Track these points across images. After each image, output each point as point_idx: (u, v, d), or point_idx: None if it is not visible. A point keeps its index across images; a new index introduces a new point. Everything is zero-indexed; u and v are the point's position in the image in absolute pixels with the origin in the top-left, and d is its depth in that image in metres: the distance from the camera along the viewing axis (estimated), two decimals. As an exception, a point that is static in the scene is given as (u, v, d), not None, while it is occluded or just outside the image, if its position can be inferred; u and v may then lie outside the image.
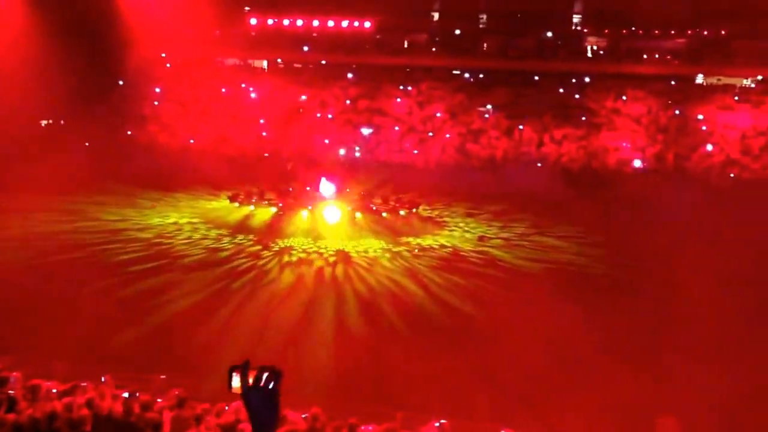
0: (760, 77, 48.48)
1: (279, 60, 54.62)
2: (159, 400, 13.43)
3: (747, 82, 49.04)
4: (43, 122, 48.46)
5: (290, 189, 38.25)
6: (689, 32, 51.17)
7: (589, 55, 52.73)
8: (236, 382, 4.64)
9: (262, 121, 49.19)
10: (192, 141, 48.06)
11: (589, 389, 18.28)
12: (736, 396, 18.15)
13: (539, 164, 45.75)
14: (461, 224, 35.96)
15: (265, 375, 4.56)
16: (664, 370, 19.86)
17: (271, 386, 4.54)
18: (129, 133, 49.45)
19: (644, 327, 23.10)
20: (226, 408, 13.21)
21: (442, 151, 47.09)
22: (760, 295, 25.58)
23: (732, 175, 43.91)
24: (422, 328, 23.28)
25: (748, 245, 30.78)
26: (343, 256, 30.55)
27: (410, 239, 33.13)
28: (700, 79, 50.19)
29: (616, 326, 23.00)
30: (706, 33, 51.04)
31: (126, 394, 13.24)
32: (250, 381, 4.55)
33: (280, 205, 36.54)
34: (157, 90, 51.74)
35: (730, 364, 20.24)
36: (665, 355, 20.76)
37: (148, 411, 12.45)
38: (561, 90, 49.95)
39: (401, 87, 50.63)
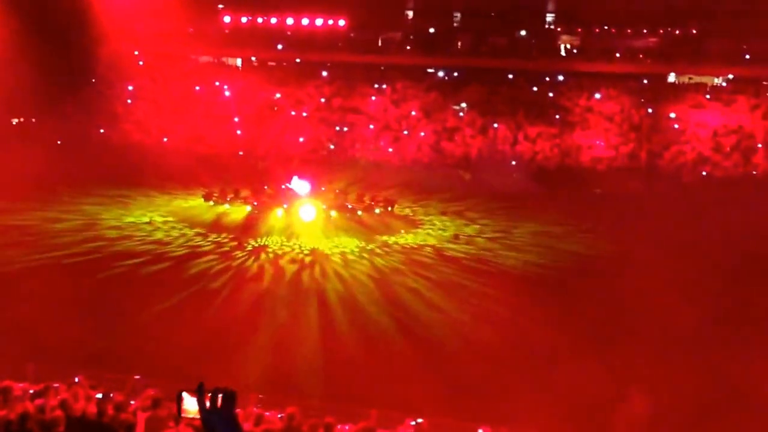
0: (730, 76, 49.03)
1: (253, 58, 54.35)
2: (133, 401, 13.30)
3: (718, 81, 49.58)
4: (15, 120, 47.87)
5: (265, 187, 38.08)
6: (661, 31, 51.61)
7: (563, 53, 53.01)
8: (189, 405, 4.49)
9: (236, 119, 48.93)
10: (165, 139, 47.71)
11: (551, 386, 18.50)
12: (694, 393, 18.46)
13: (514, 162, 45.97)
14: (436, 222, 36.05)
15: (221, 396, 4.41)
16: (626, 368, 20.04)
17: (228, 408, 4.40)
18: (102, 131, 48.99)
19: (609, 324, 23.29)
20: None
21: (417, 150, 47.16)
22: (726, 292, 25.95)
23: (704, 172, 44.39)
24: (389, 326, 23.37)
25: (716, 242, 31.20)
26: (318, 255, 30.50)
27: (386, 237, 33.17)
28: (672, 77, 50.66)
29: (581, 323, 23.22)
30: (677, 32, 51.51)
31: (99, 395, 13.09)
32: (207, 404, 4.39)
33: (255, 203, 36.37)
34: (130, 88, 51.32)
35: (692, 362, 20.50)
36: (628, 353, 20.99)
37: (122, 412, 12.32)
38: (535, 88, 50.20)
39: (376, 85, 50.63)
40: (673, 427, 17.54)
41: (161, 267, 28.48)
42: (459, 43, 53.46)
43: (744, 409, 18.07)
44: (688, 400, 18.25)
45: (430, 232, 34.56)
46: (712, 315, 23.62)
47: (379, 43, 54.30)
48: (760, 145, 44.92)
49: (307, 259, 30.09)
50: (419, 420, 14.41)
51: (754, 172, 44.01)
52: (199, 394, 4.41)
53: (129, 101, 50.95)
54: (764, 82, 47.78)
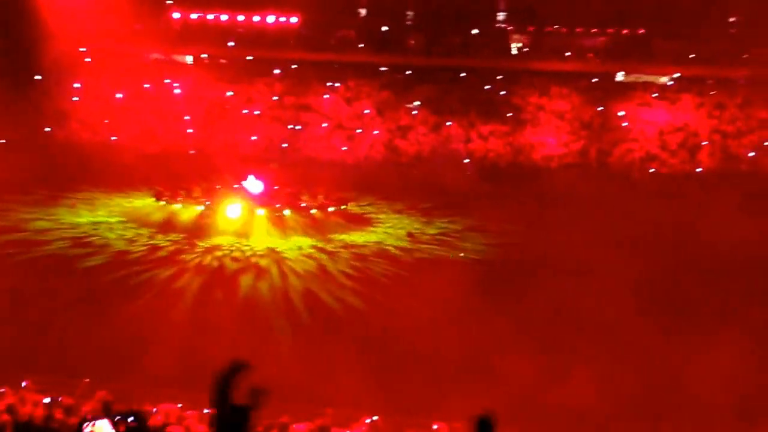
0: (676, 75, 49.97)
1: (204, 55, 53.75)
2: (83, 405, 13.07)
3: (665, 80, 50.50)
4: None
5: (217, 186, 37.68)
6: (610, 31, 52.41)
7: (514, 52, 53.50)
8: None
9: (187, 117, 48.36)
10: (114, 138, 46.96)
11: (494, 381, 18.73)
12: (634, 384, 18.87)
13: (467, 160, 46.26)
14: (390, 221, 36.10)
15: (130, 420, 4.37)
16: (568, 362, 20.37)
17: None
18: (48, 129, 48.03)
19: (552, 319, 23.63)
20: (154, 410, 12.96)
21: (371, 148, 47.17)
22: (668, 285, 26.54)
23: (652, 170, 45.20)
24: (337, 325, 23.53)
25: (660, 238, 31.86)
26: (271, 254, 30.35)
27: (340, 236, 33.13)
28: (620, 76, 51.45)
29: (527, 319, 23.58)
30: (626, 32, 52.36)
31: (47, 400, 12.83)
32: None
33: (207, 203, 35.97)
34: (77, 85, 50.36)
35: (634, 354, 20.92)
36: (571, 347, 21.36)
37: (71, 416, 12.10)
38: (487, 87, 50.55)
39: (329, 83, 50.47)
40: (613, 418, 17.88)
41: (108, 268, 28.08)
42: (412, 42, 53.59)
43: (683, 400, 18.59)
44: (629, 391, 18.71)
45: (384, 230, 34.61)
46: (654, 308, 24.14)
47: (332, 41, 54.12)
48: (704, 143, 45.88)
49: (256, 260, 29.92)
50: (375, 417, 14.43)
51: (699, 169, 44.94)
52: (113, 420, 4.38)
53: (76, 99, 49.99)
54: (708, 82, 48.81)
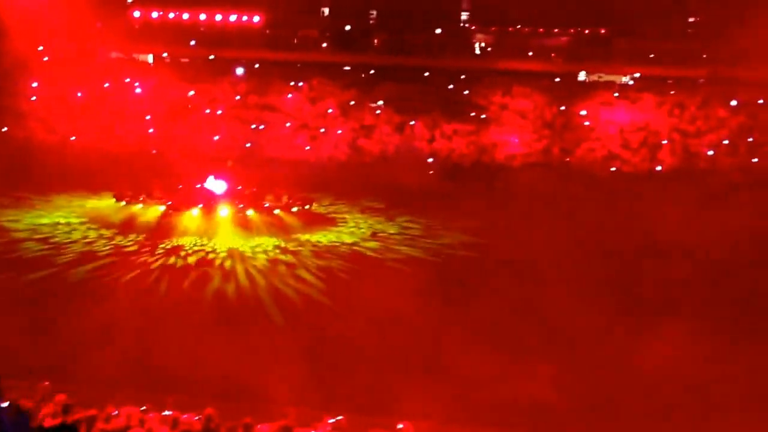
0: (637, 75, 50.56)
1: (165, 54, 53.18)
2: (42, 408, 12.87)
3: (626, 80, 51.06)
4: None
5: (179, 186, 37.35)
6: (572, 31, 52.87)
7: (477, 52, 53.76)
8: None
9: (148, 117, 47.82)
10: (73, 138, 46.29)
11: (452, 379, 18.87)
12: (593, 382, 19.13)
13: (430, 159, 46.37)
14: (355, 220, 36.07)
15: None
16: (526, 361, 20.52)
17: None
18: (4, 129, 47.23)
19: (507, 318, 23.80)
20: (116, 413, 12.79)
21: (334, 147, 47.05)
22: (626, 283, 26.89)
23: (613, 168, 45.66)
24: (299, 325, 23.55)
25: (622, 237, 32.26)
26: (234, 255, 30.14)
27: (304, 236, 33.03)
28: (582, 76, 51.93)
29: (482, 318, 23.72)
30: (587, 32, 52.87)
31: (6, 404, 12.60)
32: None
33: (169, 203, 35.63)
34: (35, 85, 49.54)
35: (588, 355, 21.15)
36: (529, 345, 21.57)
37: (30, 419, 11.90)
38: (450, 86, 50.69)
39: (292, 83, 50.22)
40: (572, 414, 18.06)
41: (68, 269, 27.70)
42: (375, 41, 53.59)
43: (641, 394, 18.88)
44: (587, 387, 18.94)
45: (348, 230, 34.57)
46: (613, 306, 24.44)
47: (295, 41, 53.92)
48: (665, 142, 46.47)
49: (218, 260, 29.71)
50: (339, 417, 14.38)
51: (659, 168, 45.52)
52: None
53: (33, 99, 49.18)
54: (668, 81, 49.45)
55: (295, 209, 36.20)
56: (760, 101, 46.78)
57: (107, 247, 30.54)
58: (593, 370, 20.19)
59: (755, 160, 44.78)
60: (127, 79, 50.10)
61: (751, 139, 45.47)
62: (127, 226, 33.25)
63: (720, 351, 21.13)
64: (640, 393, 19.12)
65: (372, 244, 32.57)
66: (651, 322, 22.94)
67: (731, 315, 24.43)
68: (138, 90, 49.73)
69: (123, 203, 35.85)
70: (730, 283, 27.14)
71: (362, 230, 34.52)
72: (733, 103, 46.77)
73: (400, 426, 15.18)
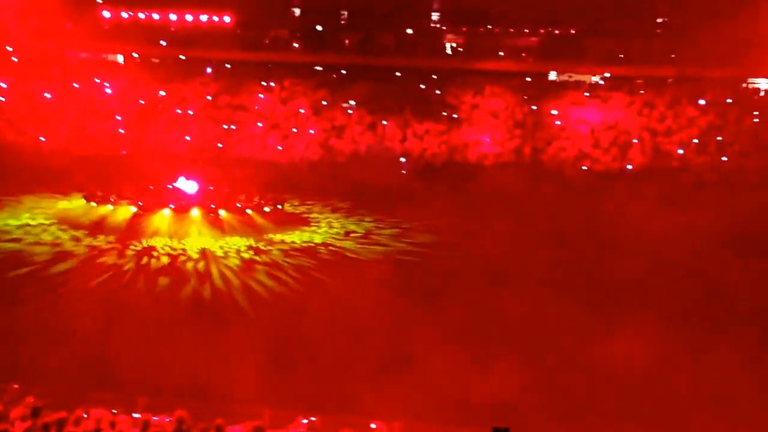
0: (607, 74, 51.00)
1: (135, 54, 52.74)
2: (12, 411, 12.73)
3: (596, 79, 51.48)
4: None
5: (150, 187, 37.12)
6: (542, 31, 53.19)
7: (448, 51, 53.91)
8: None
9: (118, 117, 47.42)
10: (43, 139, 45.78)
11: (417, 378, 18.97)
12: (552, 381, 19.34)
13: (403, 159, 46.42)
14: (326, 220, 36.05)
15: None
16: (485, 358, 20.73)
17: None
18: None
19: (474, 316, 23.98)
20: (85, 416, 12.68)
21: (306, 148, 46.95)
22: (596, 283, 27.18)
23: (584, 167, 46.00)
24: (267, 325, 23.55)
25: (592, 236, 32.55)
26: (206, 255, 30.01)
27: (276, 236, 32.96)
28: (553, 75, 52.28)
29: (445, 316, 23.87)
30: (558, 32, 53.22)
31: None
32: None
33: (140, 204, 35.40)
34: (4, 86, 48.95)
35: (554, 352, 21.38)
36: (489, 344, 21.75)
37: (1, 422, 11.77)
38: (422, 86, 50.80)
39: (263, 83, 50.07)
40: (536, 410, 18.22)
41: (37, 270, 27.42)
42: (346, 41, 53.54)
43: (605, 389, 19.10)
44: (552, 383, 19.14)
45: (319, 230, 34.56)
46: (581, 304, 24.68)
47: (266, 41, 53.72)
48: (635, 141, 46.91)
49: (196, 258, 29.58)
50: (312, 418, 14.39)
51: (630, 166, 45.93)
52: None
53: (3, 99, 48.57)
54: (638, 81, 49.93)
55: (267, 209, 36.14)
56: (729, 100, 47.42)
57: (76, 248, 30.24)
58: (556, 368, 20.35)
59: (724, 158, 45.35)
60: (97, 80, 49.69)
61: (720, 138, 46.03)
62: (98, 227, 32.98)
63: (679, 347, 21.49)
64: (601, 389, 19.34)
65: (343, 243, 32.59)
66: (612, 320, 23.16)
67: (693, 312, 24.79)
68: (108, 90, 49.31)
69: (93, 204, 35.59)
70: (692, 282, 27.49)
71: (333, 230, 34.52)
72: (702, 102, 47.35)
73: (373, 426, 15.23)
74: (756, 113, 46.60)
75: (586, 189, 41.64)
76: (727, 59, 45.05)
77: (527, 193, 40.06)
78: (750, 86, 48.86)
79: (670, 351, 21.08)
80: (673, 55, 48.69)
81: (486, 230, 33.59)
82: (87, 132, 45.90)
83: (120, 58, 53.02)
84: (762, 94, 48.78)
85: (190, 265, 29.06)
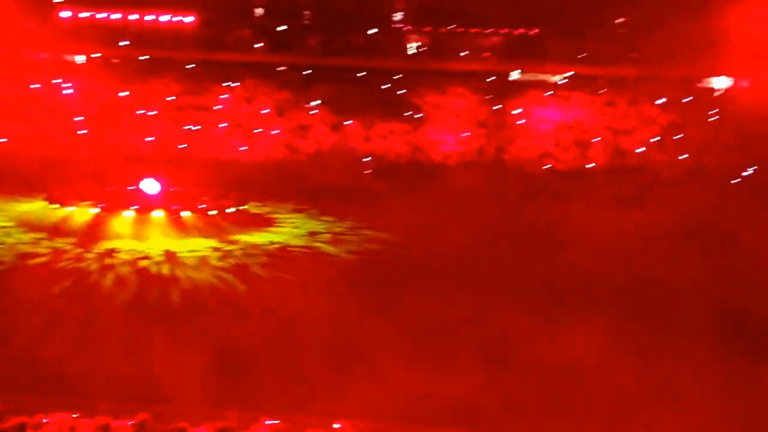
0: (569, 74, 51.56)
1: (96, 55, 52.17)
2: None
3: (558, 79, 52.01)
4: None
5: (112, 189, 36.83)
6: (504, 31, 53.63)
7: (412, 52, 54.11)
8: None
9: (79, 118, 46.93)
10: (2, 140, 45.20)
11: (380, 378, 19.11)
12: (509, 380, 19.60)
13: (366, 159, 46.54)
14: (290, 220, 36.07)
15: None
16: (439, 359, 20.98)
17: None
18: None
19: (430, 315, 24.17)
20: (45, 421, 12.63)
21: (270, 148, 46.88)
22: (552, 281, 27.53)
23: (547, 166, 46.49)
24: (229, 326, 23.50)
25: (543, 235, 32.96)
26: (169, 257, 29.89)
27: (239, 237, 32.90)
28: (515, 75, 52.72)
29: (400, 317, 24.09)
30: (520, 32, 53.71)
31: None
32: None
33: (102, 206, 35.11)
34: (-39, 87, 48.16)
35: (511, 350, 21.63)
36: (443, 344, 21.98)
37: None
38: (385, 86, 50.93)
39: (226, 83, 49.85)
40: (493, 408, 18.41)
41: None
42: (310, 42, 53.49)
43: (559, 389, 19.37)
44: (508, 382, 19.39)
45: (283, 230, 34.57)
46: (528, 305, 24.98)
47: (229, 41, 53.48)
48: (596, 139, 47.53)
49: (159, 260, 29.45)
50: (276, 421, 14.45)
51: (591, 165, 46.51)
52: None
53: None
54: (599, 80, 50.56)
55: (230, 210, 36.04)
56: (687, 99, 48.23)
57: (37, 251, 29.92)
58: (513, 366, 20.53)
59: (683, 156, 46.13)
60: (57, 81, 49.10)
61: (679, 136, 46.80)
62: (59, 229, 32.66)
63: (631, 344, 21.91)
64: (554, 386, 19.57)
65: (306, 243, 32.64)
66: (567, 318, 23.45)
67: (650, 308, 25.22)
68: (68, 91, 48.74)
69: (55, 206, 35.23)
70: (649, 278, 27.89)
71: (296, 230, 34.52)
72: (661, 101, 48.10)
73: (337, 426, 15.30)
74: (713, 112, 47.52)
75: (549, 187, 42.14)
76: (685, 59, 45.90)
77: (490, 191, 40.44)
78: (708, 85, 49.78)
79: (623, 348, 21.47)
80: (633, 55, 49.44)
81: (447, 229, 33.82)
82: (48, 134, 45.37)
83: (80, 59, 52.44)
84: (719, 92, 49.73)
85: (152, 267, 28.86)
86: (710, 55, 44.95)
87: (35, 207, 35.63)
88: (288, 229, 34.62)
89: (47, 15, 50.71)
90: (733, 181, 43.28)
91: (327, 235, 33.83)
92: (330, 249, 31.99)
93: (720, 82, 49.47)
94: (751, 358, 21.38)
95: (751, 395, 19.33)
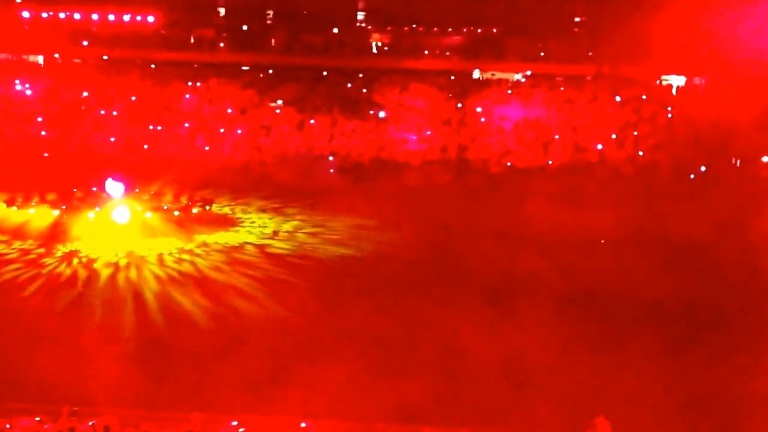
0: (529, 72, 52.19)
1: (56, 55, 51.67)
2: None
3: (518, 77, 52.61)
4: None
5: (74, 190, 36.59)
6: (465, 30, 54.10)
7: (374, 51, 54.37)
8: None
9: (39, 119, 46.48)
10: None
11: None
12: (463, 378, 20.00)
13: (331, 158, 46.69)
14: (255, 220, 36.15)
15: None
16: (392, 359, 21.34)
17: None
18: None
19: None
20: (8, 426, 12.71)
21: (234, 147, 46.83)
22: (517, 278, 27.99)
23: (508, 163, 47.00)
24: (204, 322, 23.74)
25: (513, 230, 33.45)
26: (133, 258, 29.85)
27: (204, 237, 32.94)
28: (477, 74, 53.23)
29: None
30: (480, 31, 54.22)
31: None
32: None
33: (64, 207, 34.89)
34: None
35: (464, 350, 22.06)
36: (398, 344, 22.33)
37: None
38: (349, 85, 51.12)
39: (189, 83, 49.65)
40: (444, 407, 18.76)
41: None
42: (273, 41, 53.51)
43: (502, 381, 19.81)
44: (460, 381, 19.80)
45: (248, 229, 34.65)
46: (485, 298, 25.41)
47: (192, 41, 53.29)
48: (556, 137, 48.17)
49: (123, 262, 29.38)
50: (234, 422, 14.67)
51: (551, 162, 47.14)
52: None
53: None
54: (558, 78, 51.26)
55: (194, 210, 36.03)
56: (644, 96, 49.08)
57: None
58: (467, 363, 20.89)
59: (640, 153, 46.93)
60: (17, 81, 48.55)
61: (635, 133, 47.61)
62: (19, 231, 32.44)
63: (584, 339, 22.49)
64: (504, 381, 20.00)
65: (274, 242, 32.78)
66: (518, 314, 23.92)
67: (606, 302, 25.80)
68: (28, 92, 48.22)
69: (14, 208, 34.92)
70: (608, 273, 28.46)
71: (261, 229, 34.63)
72: (618, 98, 48.90)
73: (303, 425, 15.55)
74: (669, 109, 48.45)
75: (510, 184, 42.68)
76: (641, 57, 46.73)
77: (452, 189, 40.87)
78: (663, 83, 50.74)
79: (573, 343, 22.00)
80: (590, 54, 50.20)
81: (408, 227, 34.17)
82: (7, 135, 44.88)
83: (41, 59, 51.92)
84: (674, 90, 50.73)
85: (116, 270, 28.80)
86: (665, 53, 45.82)
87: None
88: (252, 229, 34.72)
89: (6, 14, 50.12)
90: (690, 176, 44.25)
91: (294, 234, 34.05)
92: (297, 247, 32.21)
93: (675, 80, 50.51)
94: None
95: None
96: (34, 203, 35.14)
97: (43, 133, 46.29)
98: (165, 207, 35.73)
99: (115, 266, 29.08)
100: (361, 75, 51.59)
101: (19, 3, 51.57)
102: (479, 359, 20.80)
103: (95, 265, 29.04)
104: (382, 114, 48.99)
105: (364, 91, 50.65)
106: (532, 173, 45.14)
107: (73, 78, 48.80)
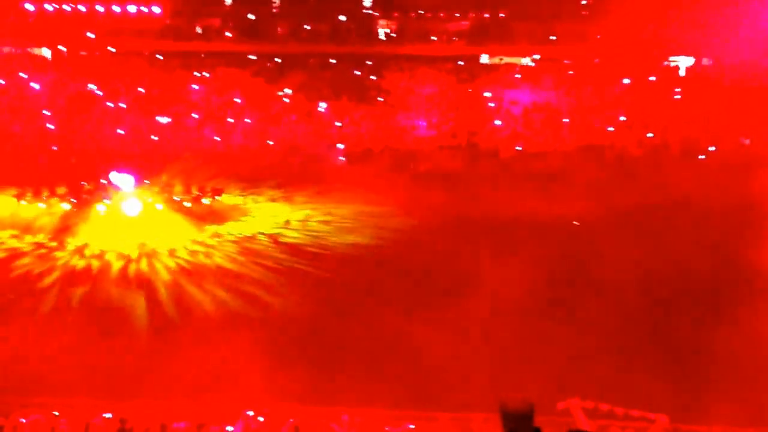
0: (537, 56, 51.93)
1: (62, 48, 51.70)
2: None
3: (526, 61, 52.36)
4: None
5: (83, 183, 36.60)
6: (472, 15, 53.90)
7: (382, 37, 54.22)
8: None
9: (47, 113, 46.52)
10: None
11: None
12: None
13: (340, 146, 46.55)
14: (266, 209, 36.12)
15: None
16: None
17: None
18: None
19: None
20: (23, 421, 12.72)
21: (243, 137, 46.76)
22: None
23: (518, 148, 46.78)
24: (221, 315, 23.87)
25: (508, 219, 33.29)
26: (146, 251, 29.86)
27: (215, 228, 32.95)
28: (485, 58, 52.99)
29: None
30: (487, 16, 54.00)
31: None
32: None
33: (74, 200, 34.93)
34: (-76, 83, 47.60)
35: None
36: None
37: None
38: (357, 72, 51.01)
39: (197, 73, 49.62)
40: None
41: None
42: (279, 29, 53.41)
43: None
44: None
45: (259, 220, 34.62)
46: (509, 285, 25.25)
47: (198, 31, 53.22)
48: (566, 120, 47.93)
49: (134, 255, 29.42)
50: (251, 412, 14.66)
51: (562, 146, 46.88)
52: None
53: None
54: (566, 61, 51.01)
55: (205, 201, 36.03)
56: (652, 78, 48.82)
57: (10, 249, 29.81)
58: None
59: (650, 134, 46.68)
60: (23, 75, 48.61)
61: (644, 115, 47.36)
62: (29, 226, 32.49)
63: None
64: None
65: (283, 233, 32.74)
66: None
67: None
68: (35, 86, 48.28)
69: (23, 203, 34.96)
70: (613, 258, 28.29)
71: (274, 219, 34.60)
72: (627, 80, 48.65)
73: (346, 417, 15.49)
74: (677, 90, 48.19)
75: (521, 169, 42.46)
76: (649, 38, 46.42)
77: (464, 175, 40.69)
78: (671, 64, 50.45)
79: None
80: (598, 36, 49.89)
81: (423, 215, 34.05)
82: (14, 129, 44.94)
83: (46, 52, 51.97)
84: (682, 71, 50.44)
85: (129, 264, 28.84)
86: (672, 34, 45.54)
87: (4, 204, 35.33)
88: (264, 219, 34.69)
89: (11, 8, 50.16)
90: (700, 157, 43.99)
91: (306, 223, 34.00)
92: (310, 235, 32.16)
93: (682, 61, 50.20)
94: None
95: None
96: (44, 197, 35.16)
97: (50, 126, 46.29)
98: (175, 198, 35.72)
99: (126, 259, 29.10)
100: (369, 62, 51.48)
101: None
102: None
103: (107, 257, 29.08)
104: (390, 101, 48.85)
105: (373, 77, 50.55)
106: (542, 156, 44.88)
107: (79, 70, 48.84)
